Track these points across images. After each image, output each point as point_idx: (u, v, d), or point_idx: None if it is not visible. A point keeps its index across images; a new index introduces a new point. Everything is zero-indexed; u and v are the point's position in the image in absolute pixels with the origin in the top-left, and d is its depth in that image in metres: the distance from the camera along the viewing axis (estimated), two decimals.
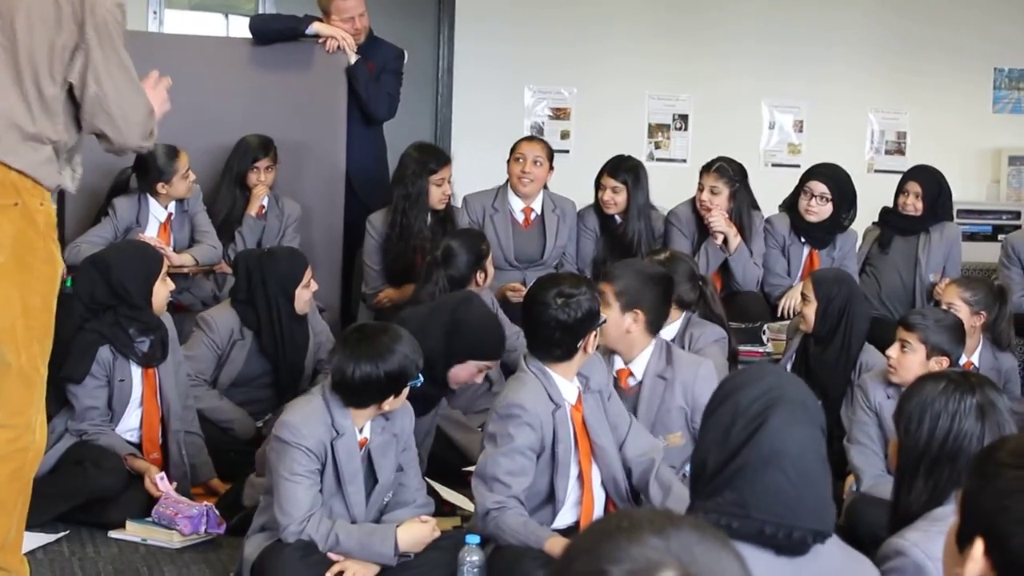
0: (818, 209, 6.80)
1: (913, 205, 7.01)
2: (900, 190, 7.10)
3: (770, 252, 6.89)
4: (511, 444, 4.02)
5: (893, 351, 4.91)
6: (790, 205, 6.95)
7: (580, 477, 4.20)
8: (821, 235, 6.88)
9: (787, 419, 2.35)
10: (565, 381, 4.18)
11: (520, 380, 4.16)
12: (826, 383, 5.46)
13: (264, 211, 6.70)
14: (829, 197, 6.79)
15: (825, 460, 2.43)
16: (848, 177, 6.88)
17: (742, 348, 5.90)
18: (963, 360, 5.37)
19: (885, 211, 7.22)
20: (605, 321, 4.31)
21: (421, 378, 4.21)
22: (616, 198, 6.79)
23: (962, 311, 5.69)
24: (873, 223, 7.28)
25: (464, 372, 4.91)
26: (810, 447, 2.37)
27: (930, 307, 5.54)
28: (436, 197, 6.50)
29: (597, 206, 6.91)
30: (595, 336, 4.19)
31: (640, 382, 4.68)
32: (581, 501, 4.20)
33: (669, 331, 5.40)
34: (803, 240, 6.92)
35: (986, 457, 1.91)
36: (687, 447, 4.61)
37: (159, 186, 6.31)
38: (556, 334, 4.10)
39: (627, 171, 6.81)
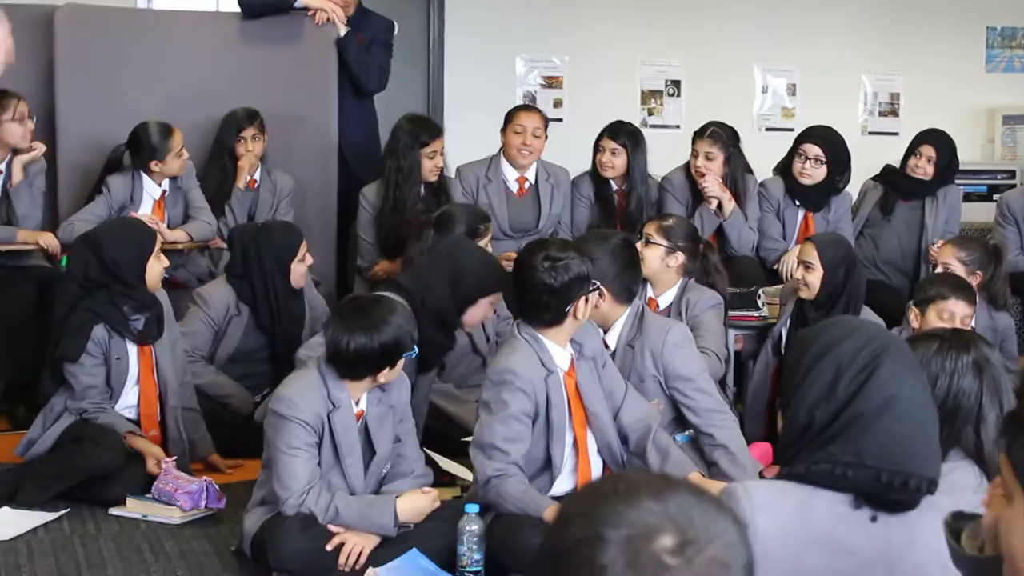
0: (812, 172, 6.79)
1: (924, 168, 7.02)
2: (912, 152, 7.08)
3: (765, 216, 6.88)
4: (506, 410, 4.03)
5: (962, 317, 4.92)
6: (784, 168, 6.94)
7: (575, 444, 4.21)
8: (816, 198, 6.87)
9: (897, 366, 2.33)
10: (557, 347, 4.17)
11: (512, 346, 4.16)
12: None
13: (256, 184, 6.69)
14: (824, 159, 6.77)
15: (933, 405, 2.41)
16: (842, 139, 6.87)
17: (737, 312, 5.89)
18: None
19: (890, 171, 7.20)
20: (597, 288, 4.29)
21: (416, 350, 4.21)
22: (615, 161, 6.77)
23: (958, 271, 5.69)
24: (872, 178, 7.27)
25: (478, 312, 4.92)
26: (920, 393, 2.35)
27: (945, 272, 5.54)
28: (428, 169, 6.48)
29: (593, 172, 6.89)
30: (585, 301, 4.16)
31: (613, 352, 4.67)
32: (577, 468, 4.21)
33: (666, 297, 5.42)
34: (797, 203, 6.90)
35: None
36: (666, 413, 4.64)
37: (152, 164, 6.29)
38: (543, 298, 4.10)
39: (627, 135, 6.80)
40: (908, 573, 2.31)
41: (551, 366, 4.14)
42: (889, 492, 2.28)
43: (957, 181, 7.31)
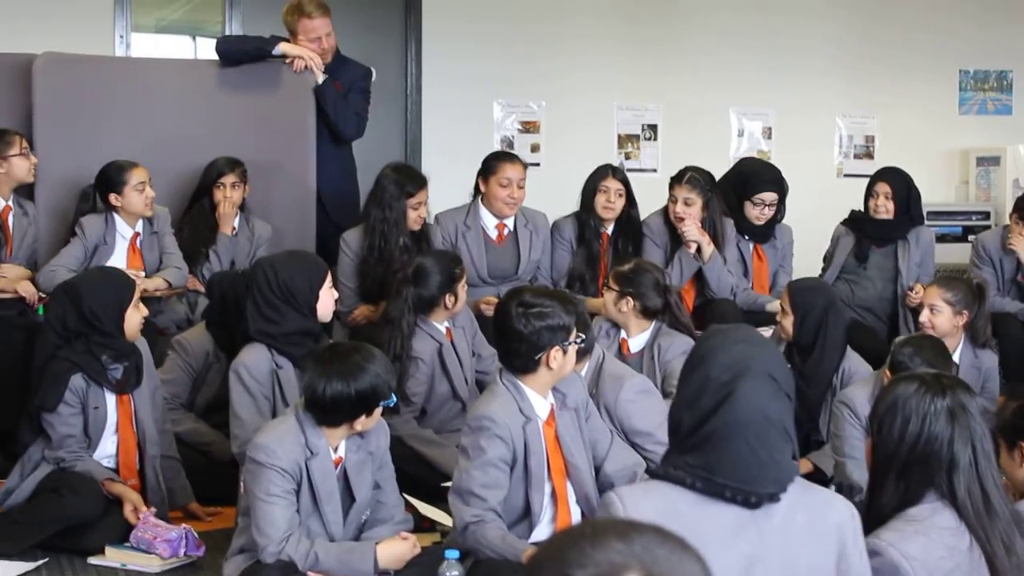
0: (769, 214, 7.00)
1: (884, 207, 7.06)
2: (869, 193, 7.16)
3: None
4: (483, 457, 4.03)
5: None
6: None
7: (554, 494, 4.19)
8: (763, 230, 7.07)
9: (753, 391, 2.47)
10: (538, 396, 4.17)
11: (492, 392, 4.17)
12: (808, 389, 5.53)
13: (235, 231, 6.71)
14: (777, 201, 7.00)
15: (788, 429, 2.54)
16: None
17: None
18: None
19: (857, 217, 7.24)
20: (582, 341, 4.28)
21: (394, 398, 4.21)
22: (617, 202, 6.82)
23: (945, 312, 5.76)
24: (842, 223, 7.31)
25: (327, 301, 5.12)
26: (774, 418, 2.49)
27: (923, 337, 5.53)
28: (413, 219, 6.47)
29: (578, 215, 6.90)
30: (560, 351, 4.12)
31: None
32: (556, 519, 4.20)
33: (638, 342, 5.45)
34: (747, 237, 7.06)
35: None
36: None
37: (112, 197, 6.29)
38: (514, 344, 4.11)
39: (624, 180, 6.89)
40: (783, 548, 2.47)
41: (530, 414, 4.13)
42: (734, 503, 2.45)
43: (932, 223, 7.37)
